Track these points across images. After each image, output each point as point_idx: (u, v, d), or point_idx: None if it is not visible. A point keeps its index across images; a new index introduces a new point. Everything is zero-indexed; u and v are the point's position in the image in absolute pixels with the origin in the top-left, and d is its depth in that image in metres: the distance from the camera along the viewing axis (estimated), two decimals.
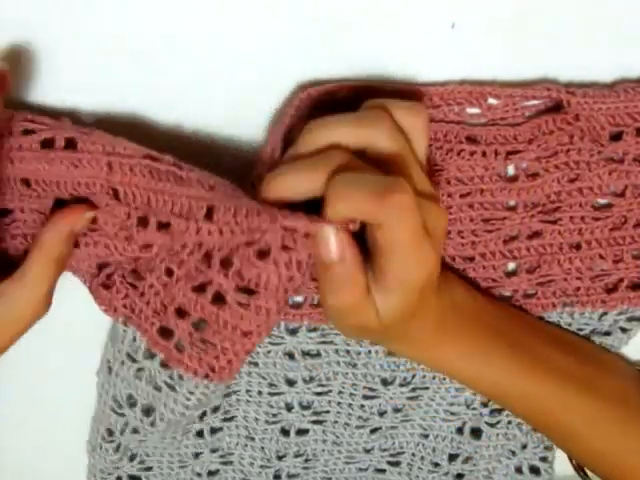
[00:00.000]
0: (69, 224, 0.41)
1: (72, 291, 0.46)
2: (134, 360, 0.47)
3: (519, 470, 0.55)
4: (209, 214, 0.40)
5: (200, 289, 0.42)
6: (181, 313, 0.43)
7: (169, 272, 0.43)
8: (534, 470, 0.55)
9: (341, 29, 0.42)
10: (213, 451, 0.55)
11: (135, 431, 0.51)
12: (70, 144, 0.40)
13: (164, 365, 0.46)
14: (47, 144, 0.40)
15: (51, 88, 0.43)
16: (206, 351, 0.43)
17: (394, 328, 0.41)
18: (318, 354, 0.51)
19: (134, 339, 0.47)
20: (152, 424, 0.49)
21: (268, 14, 0.42)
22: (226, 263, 0.41)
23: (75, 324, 0.50)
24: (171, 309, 0.43)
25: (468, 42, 0.43)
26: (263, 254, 0.39)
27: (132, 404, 0.50)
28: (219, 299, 0.42)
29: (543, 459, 0.55)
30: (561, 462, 0.55)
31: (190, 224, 0.40)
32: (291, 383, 0.52)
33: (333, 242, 0.38)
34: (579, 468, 0.52)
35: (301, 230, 0.38)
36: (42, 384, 0.54)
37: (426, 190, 0.40)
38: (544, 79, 0.44)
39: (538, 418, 0.48)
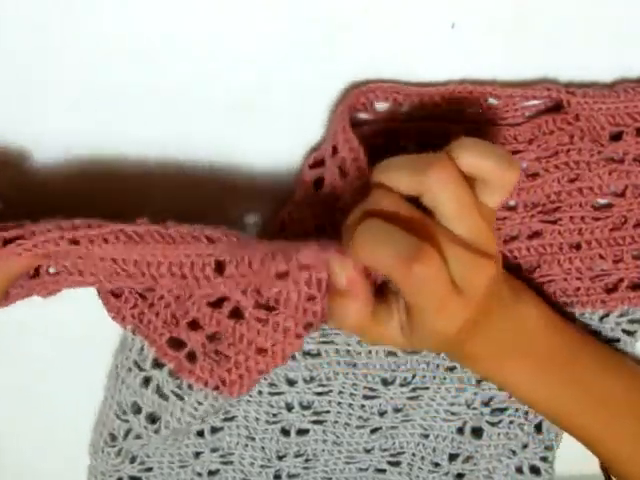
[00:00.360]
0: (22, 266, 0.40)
1: (75, 292, 0.46)
2: (141, 369, 0.47)
3: (519, 470, 0.55)
4: (219, 269, 0.40)
5: (216, 304, 0.42)
6: (194, 326, 0.43)
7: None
8: (534, 470, 0.55)
9: (341, 29, 0.42)
10: (213, 451, 0.55)
11: (138, 437, 0.51)
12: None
13: (172, 374, 0.45)
14: None
15: (50, 88, 0.43)
16: (218, 363, 0.43)
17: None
18: (318, 354, 0.51)
19: (142, 348, 0.47)
20: (156, 431, 0.49)
21: (268, 14, 0.42)
22: None
23: (76, 323, 0.50)
24: (184, 322, 0.43)
25: (468, 42, 0.43)
26: (282, 274, 0.39)
27: (137, 411, 0.49)
28: (236, 314, 0.41)
29: (543, 459, 0.55)
30: (561, 462, 0.55)
31: (201, 282, 0.40)
32: (291, 383, 0.52)
33: (343, 275, 0.38)
34: (604, 469, 0.52)
35: (315, 264, 0.38)
36: (42, 384, 0.54)
37: (472, 240, 0.38)
38: (544, 79, 0.44)
39: (591, 444, 0.48)
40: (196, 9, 0.41)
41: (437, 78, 0.44)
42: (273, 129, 0.45)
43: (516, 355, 0.44)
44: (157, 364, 0.46)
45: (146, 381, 0.47)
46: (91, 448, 0.54)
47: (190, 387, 0.45)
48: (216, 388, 0.43)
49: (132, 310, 0.44)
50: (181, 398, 0.46)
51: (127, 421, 0.50)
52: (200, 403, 0.46)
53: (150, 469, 0.55)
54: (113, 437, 0.52)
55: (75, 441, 0.55)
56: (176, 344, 0.44)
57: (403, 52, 0.43)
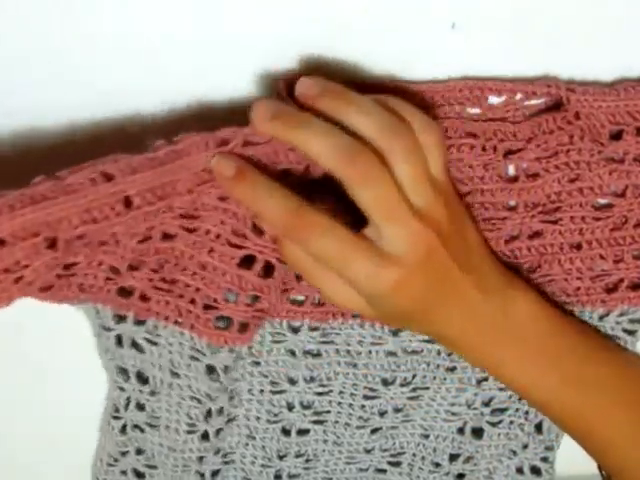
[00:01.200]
0: None
1: None
2: (109, 329, 0.48)
3: (520, 470, 0.55)
4: (127, 203, 0.40)
5: (146, 239, 0.43)
6: (135, 267, 0.44)
7: (102, 243, 0.42)
8: (535, 470, 0.56)
9: (341, 29, 0.42)
10: (216, 452, 0.55)
11: (140, 407, 0.51)
12: None
13: (137, 322, 0.47)
14: None
15: (50, 87, 0.43)
16: (170, 291, 0.45)
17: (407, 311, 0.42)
18: (319, 354, 0.51)
19: (97, 311, 0.47)
20: (152, 393, 0.50)
21: (268, 14, 0.42)
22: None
23: (75, 325, 0.51)
24: (124, 268, 0.44)
25: (468, 42, 0.43)
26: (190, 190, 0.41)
27: (125, 375, 0.51)
28: (168, 237, 0.43)
29: (544, 459, 0.55)
30: (562, 462, 0.55)
31: (113, 220, 0.40)
32: (293, 382, 0.52)
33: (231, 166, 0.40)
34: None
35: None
36: (41, 385, 0.54)
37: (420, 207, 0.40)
38: (544, 78, 0.44)
39: (582, 434, 0.48)
40: (196, 9, 0.41)
41: (437, 78, 0.44)
42: None
43: (503, 340, 0.45)
44: (119, 319, 0.47)
45: (120, 340, 0.48)
46: (101, 425, 0.54)
47: (156, 327, 0.47)
48: (176, 322, 0.46)
49: (71, 288, 0.43)
50: (154, 343, 0.48)
51: (123, 389, 0.51)
52: (171, 344, 0.47)
53: (154, 467, 0.55)
54: (116, 408, 0.52)
55: (75, 442, 0.55)
56: (126, 292, 0.45)
57: (403, 52, 0.43)
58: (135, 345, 0.49)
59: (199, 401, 0.51)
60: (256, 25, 0.42)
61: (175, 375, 0.49)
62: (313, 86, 0.40)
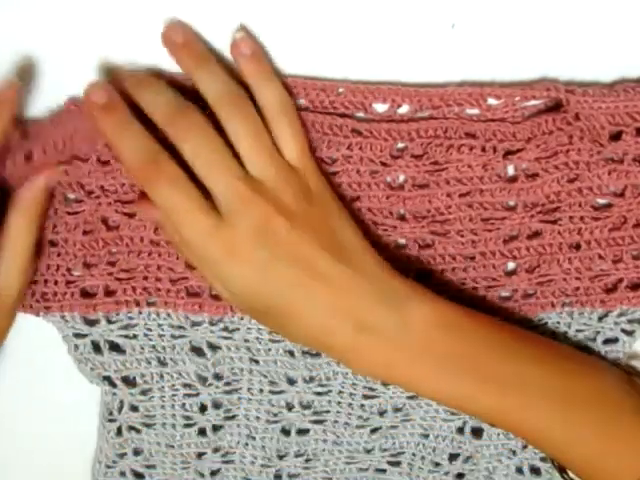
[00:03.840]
0: (43, 179, 0.43)
1: None
2: (82, 335, 0.49)
3: (520, 470, 0.55)
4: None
5: (89, 231, 0.46)
6: (90, 265, 0.47)
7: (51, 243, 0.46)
8: (534, 470, 0.55)
9: (341, 29, 0.42)
10: (215, 450, 0.55)
11: (133, 408, 0.52)
12: None
13: (110, 322, 0.49)
14: None
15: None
16: (134, 278, 0.47)
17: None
18: (318, 353, 0.51)
19: (66, 320, 0.49)
20: (143, 393, 0.51)
21: (268, 14, 0.42)
22: None
23: None
24: (79, 267, 0.47)
25: (468, 42, 0.43)
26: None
27: (112, 383, 0.51)
28: (111, 227, 0.46)
29: (544, 459, 0.55)
30: None
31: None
32: (291, 382, 0.52)
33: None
34: (561, 470, 0.51)
35: None
36: (42, 385, 0.54)
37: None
38: (544, 79, 0.44)
39: (514, 430, 0.46)
40: (195, 8, 0.41)
41: (437, 78, 0.44)
42: None
43: (408, 357, 0.43)
44: (91, 322, 0.49)
45: (96, 346, 0.50)
46: (98, 425, 0.54)
47: (132, 319, 0.49)
48: (150, 304, 0.48)
49: (35, 292, 0.48)
50: (133, 337, 0.49)
51: (114, 394, 0.52)
52: (150, 330, 0.49)
53: (153, 467, 0.55)
54: (110, 412, 0.53)
55: (74, 443, 0.55)
56: (90, 295, 0.48)
57: (403, 52, 0.43)
58: (114, 347, 0.50)
59: (192, 388, 0.52)
60: (256, 25, 0.42)
61: (162, 364, 0.50)
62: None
